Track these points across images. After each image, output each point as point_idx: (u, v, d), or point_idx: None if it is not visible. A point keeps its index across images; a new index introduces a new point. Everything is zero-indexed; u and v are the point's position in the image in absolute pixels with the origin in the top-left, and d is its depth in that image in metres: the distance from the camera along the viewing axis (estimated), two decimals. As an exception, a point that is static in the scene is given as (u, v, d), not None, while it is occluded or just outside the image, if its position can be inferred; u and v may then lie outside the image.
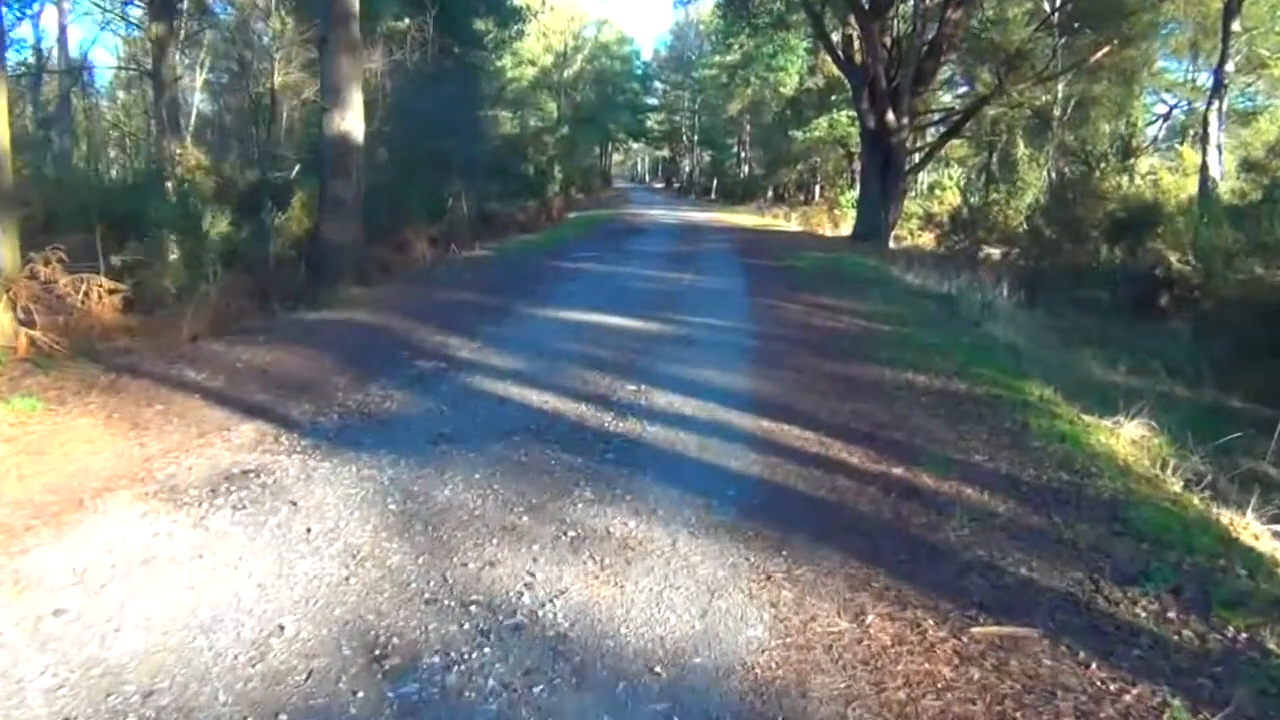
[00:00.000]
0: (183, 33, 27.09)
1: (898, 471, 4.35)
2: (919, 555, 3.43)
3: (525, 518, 3.68)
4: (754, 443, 4.74)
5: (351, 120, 11.11)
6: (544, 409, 5.34)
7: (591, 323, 8.46)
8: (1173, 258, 12.56)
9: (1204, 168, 18.07)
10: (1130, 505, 4.01)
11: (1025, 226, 16.45)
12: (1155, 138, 24.87)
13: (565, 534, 3.53)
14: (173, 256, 10.47)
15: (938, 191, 31.54)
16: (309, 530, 3.50)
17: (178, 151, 16.86)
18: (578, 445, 4.65)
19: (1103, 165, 15.63)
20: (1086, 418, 5.71)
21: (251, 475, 4.10)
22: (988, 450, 4.76)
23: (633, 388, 5.88)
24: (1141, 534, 3.69)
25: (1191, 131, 28.68)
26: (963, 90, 31.82)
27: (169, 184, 15.65)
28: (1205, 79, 30.37)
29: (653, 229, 24.30)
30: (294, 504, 3.77)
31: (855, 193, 31.52)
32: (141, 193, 12.07)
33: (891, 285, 12.56)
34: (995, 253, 18.03)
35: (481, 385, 5.90)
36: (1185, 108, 31.50)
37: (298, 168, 15.46)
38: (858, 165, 33.92)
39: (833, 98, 31.93)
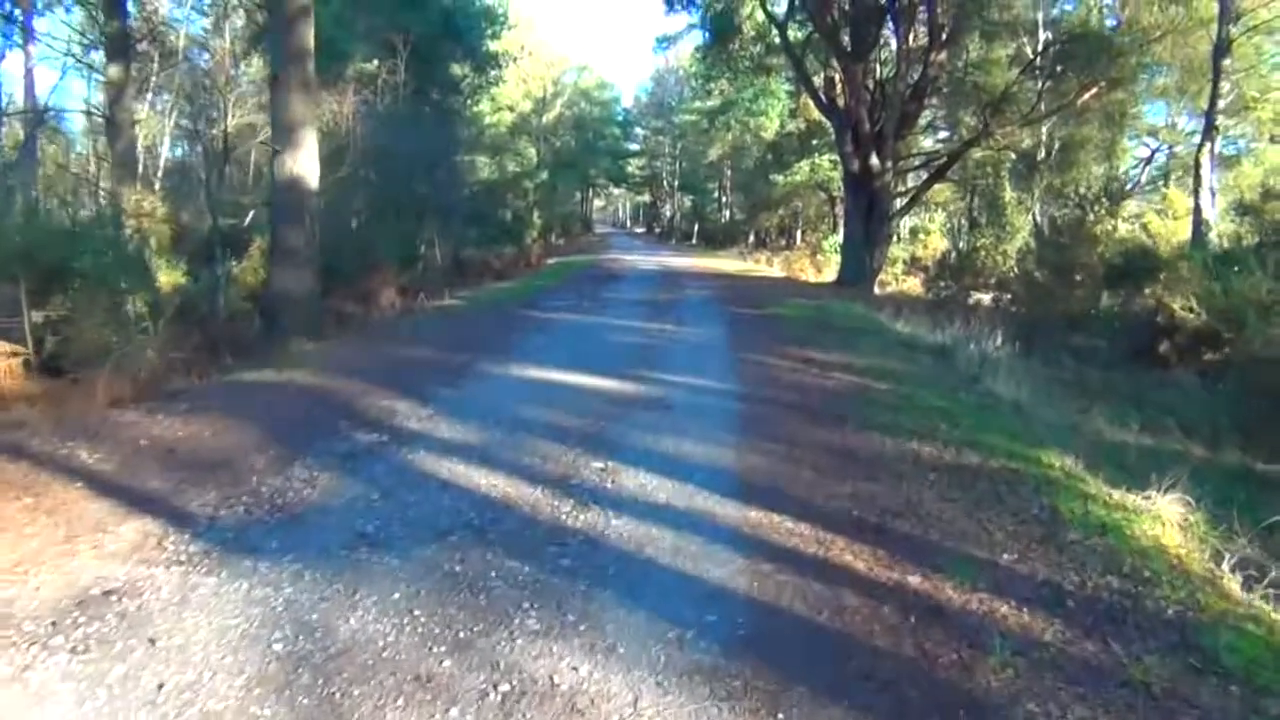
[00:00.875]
0: (155, 77, 26.57)
1: (915, 581, 3.57)
2: (954, 715, 2.64)
3: (447, 661, 2.87)
4: (740, 542, 3.95)
5: (305, 163, 10.39)
6: (492, 496, 4.54)
7: (560, 383, 7.69)
8: (1175, 305, 11.94)
9: (1197, 211, 17.61)
10: (1202, 626, 3.25)
11: (1015, 271, 15.86)
12: (1137, 181, 24.48)
13: (496, 687, 2.72)
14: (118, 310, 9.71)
15: (921, 236, 31.18)
16: (160, 686, 2.69)
17: (132, 198, 16.06)
18: (527, 547, 3.85)
19: (1096, 209, 15.12)
20: (1116, 494, 4.97)
21: (113, 598, 3.28)
22: (1017, 546, 3.99)
23: (599, 465, 5.09)
24: (1227, 670, 2.93)
25: (1175, 175, 28.51)
26: (944, 135, 31.55)
27: (126, 231, 14.91)
28: (1185, 122, 30.44)
29: (632, 275, 23.63)
30: (153, 642, 2.95)
31: (838, 237, 31.12)
32: (76, 241, 11.24)
33: (882, 335, 11.86)
34: (985, 298, 17.45)
35: (424, 465, 5.10)
36: (1167, 151, 31.41)
37: (251, 214, 14.75)
38: (840, 209, 33.63)
39: (814, 141, 31.62)
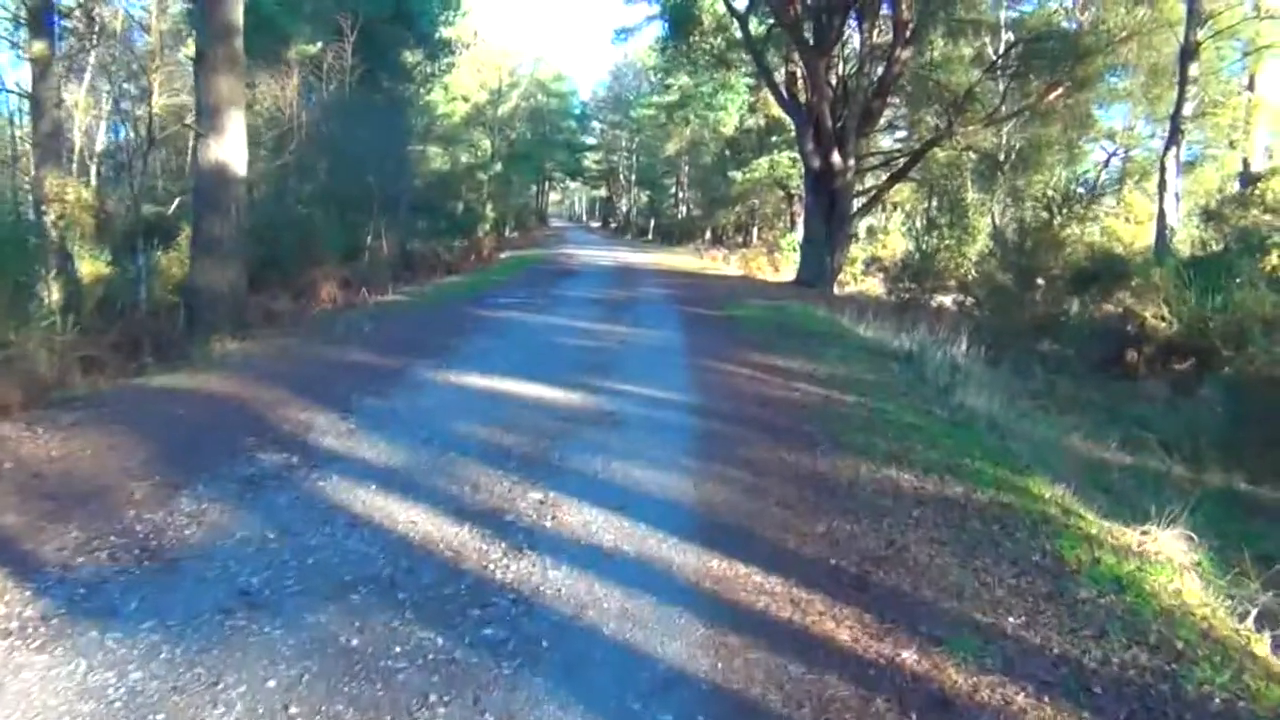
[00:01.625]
0: (91, 57, 25.26)
1: (911, 658, 2.97)
2: None
3: (323, 790, 2.22)
4: (700, 603, 3.32)
5: (230, 148, 9.57)
6: (409, 537, 3.86)
7: (501, 393, 7.01)
8: (1147, 314, 11.57)
9: (1161, 215, 17.39)
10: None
11: (978, 275, 15.47)
12: (1095, 184, 24.33)
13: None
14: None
15: (879, 236, 30.88)
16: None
17: (52, 182, 15.01)
18: (445, 609, 3.18)
19: (1063, 211, 14.76)
20: (1118, 532, 4.44)
21: (-99, 689, 2.57)
22: (1023, 607, 3.41)
23: (538, 497, 4.44)
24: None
25: (1133, 179, 28.48)
26: (902, 135, 31.22)
27: (47, 217, 13.93)
28: (1143, 126, 30.47)
29: (586, 272, 22.96)
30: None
31: (796, 236, 30.71)
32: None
33: (846, 340, 11.34)
34: (947, 301, 17.05)
35: (335, 494, 4.40)
36: (1122, 155, 31.42)
37: (177, 201, 13.84)
38: (798, 208, 33.23)
39: (773, 138, 31.17)
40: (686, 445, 5.58)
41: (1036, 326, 13.93)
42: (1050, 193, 16.02)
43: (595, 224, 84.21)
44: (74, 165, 19.39)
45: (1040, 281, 14.08)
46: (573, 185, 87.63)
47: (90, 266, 14.39)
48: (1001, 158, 19.85)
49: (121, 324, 12.02)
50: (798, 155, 30.01)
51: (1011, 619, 3.31)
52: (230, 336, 9.18)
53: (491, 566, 3.58)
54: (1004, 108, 19.67)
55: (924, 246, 18.13)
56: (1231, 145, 25.52)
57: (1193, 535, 4.48)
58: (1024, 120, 20.86)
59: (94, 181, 20.45)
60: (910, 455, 5.55)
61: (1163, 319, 11.52)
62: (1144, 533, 4.48)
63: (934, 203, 30.88)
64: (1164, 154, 17.79)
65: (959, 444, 6.00)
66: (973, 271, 17.43)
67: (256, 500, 4.27)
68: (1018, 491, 4.92)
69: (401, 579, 3.42)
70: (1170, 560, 4.08)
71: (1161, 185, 17.53)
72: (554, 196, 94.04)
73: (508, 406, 6.50)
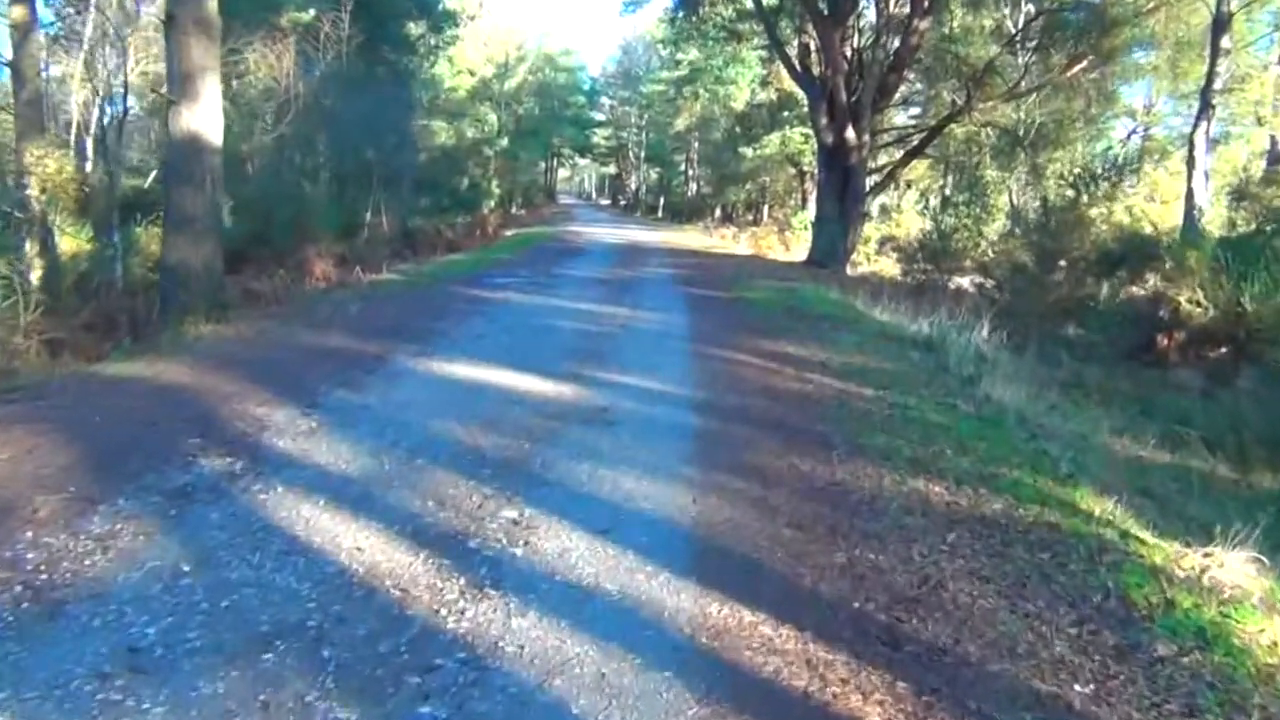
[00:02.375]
0: (88, 27, 24.57)
1: (962, 752, 2.36)
2: None
3: None
4: (694, 665, 2.69)
5: (204, 117, 8.93)
6: (351, 570, 3.25)
7: (487, 384, 6.40)
8: (1182, 298, 10.87)
9: (1189, 195, 16.63)
10: None
11: (999, 256, 14.75)
12: (1121, 161, 23.48)
13: None
14: None
15: (893, 215, 30.10)
16: None
17: (34, 154, 14.38)
18: (375, 676, 2.56)
19: (1091, 189, 14.00)
20: (1185, 559, 3.81)
21: None
22: (1090, 669, 2.79)
23: (511, 515, 3.83)
24: None
25: (1155, 157, 27.58)
26: (916, 112, 30.29)
27: (30, 193, 13.36)
28: (1164, 103, 29.53)
29: (592, 249, 22.30)
30: None
31: (807, 214, 29.95)
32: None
33: (861, 325, 10.69)
34: (965, 282, 16.35)
35: (276, 511, 3.79)
36: (1142, 133, 30.51)
37: (154, 174, 13.22)
38: (810, 185, 32.44)
39: (785, 114, 30.34)
40: (686, 450, 4.96)
41: (1061, 310, 13.24)
42: (1076, 170, 15.25)
43: (605, 201, 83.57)
44: (71, 139, 18.79)
45: (1064, 263, 13.36)
46: (582, 162, 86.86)
47: (71, 242, 13.82)
48: (1022, 134, 19.00)
49: (96, 303, 11.46)
50: (810, 131, 29.28)
51: (1078, 687, 2.69)
52: (205, 318, 8.58)
53: (444, 611, 2.96)
54: (1025, 82, 18.83)
55: (942, 226, 17.40)
56: (1260, 122, 24.62)
57: (1261, 558, 3.86)
58: (1046, 95, 19.99)
59: (91, 156, 19.88)
60: (939, 462, 4.92)
61: (1197, 304, 10.81)
62: (1207, 555, 3.87)
63: (949, 180, 30.11)
64: (1193, 130, 16.98)
65: (992, 447, 5.36)
66: (991, 252, 16.73)
67: (182, 518, 3.66)
68: (1064, 508, 4.28)
69: (331, 630, 2.81)
70: (1263, 602, 3.46)
71: (1190, 162, 16.75)
72: (563, 173, 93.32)
73: (491, 401, 5.88)
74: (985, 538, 3.84)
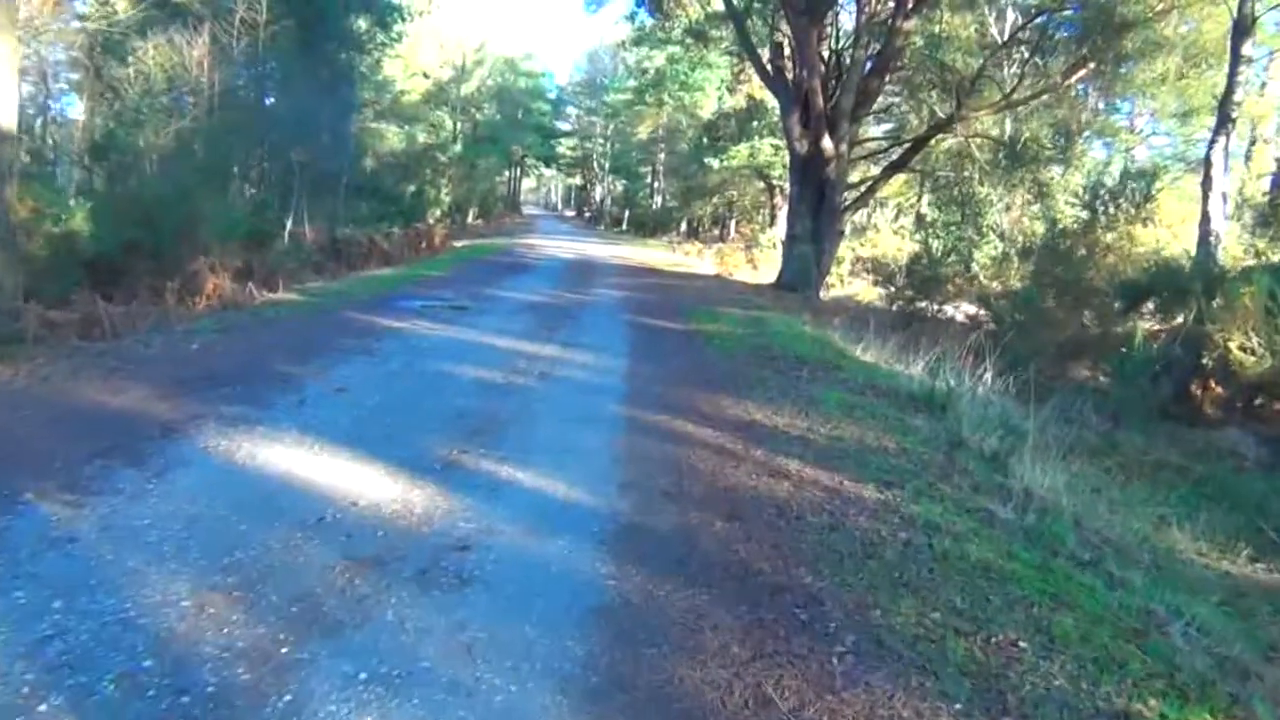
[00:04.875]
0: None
1: None
2: None
3: None
4: None
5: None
6: None
7: (297, 486, 4.21)
8: (1232, 343, 8.92)
9: (1204, 219, 14.78)
10: None
11: (999, 285, 12.80)
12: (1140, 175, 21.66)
13: None
14: None
15: (867, 234, 28.25)
16: None
17: None
18: None
19: (1110, 210, 12.08)
20: None
21: None
22: None
23: None
24: None
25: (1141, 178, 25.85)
26: (891, 125, 28.40)
27: None
28: (1144, 123, 27.91)
29: (542, 266, 20.17)
30: None
31: (776, 231, 28.04)
32: None
33: (845, 372, 8.64)
34: (957, 312, 14.39)
35: None
36: (1125, 154, 28.87)
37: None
38: (779, 200, 30.53)
39: (755, 123, 28.36)
40: (579, 648, 2.82)
41: (1074, 350, 11.30)
42: (1094, 187, 13.34)
43: (570, 213, 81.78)
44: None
45: (1078, 296, 11.42)
46: (548, 173, 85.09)
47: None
48: (1020, 147, 17.13)
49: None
50: (779, 142, 27.35)
51: None
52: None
53: None
54: (1020, 90, 16.94)
55: (933, 250, 15.42)
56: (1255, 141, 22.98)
57: None
58: (1045, 104, 18.10)
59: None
60: (1020, 675, 2.83)
61: (1250, 350, 8.87)
62: None
63: (926, 198, 28.33)
64: (1210, 146, 15.10)
65: (1083, 623, 3.29)
66: (983, 279, 14.82)
67: None
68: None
69: None
70: None
71: (1206, 182, 14.87)
72: (528, 184, 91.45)
73: (287, 522, 3.71)
74: None
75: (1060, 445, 8.09)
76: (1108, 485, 7.18)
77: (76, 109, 23.17)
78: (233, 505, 3.87)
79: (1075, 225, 12.56)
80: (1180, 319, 10.36)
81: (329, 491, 4.12)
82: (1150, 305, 11.31)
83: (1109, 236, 11.83)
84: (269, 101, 22.06)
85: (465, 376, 7.08)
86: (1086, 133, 22.76)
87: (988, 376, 9.14)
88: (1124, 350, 9.82)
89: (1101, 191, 12.80)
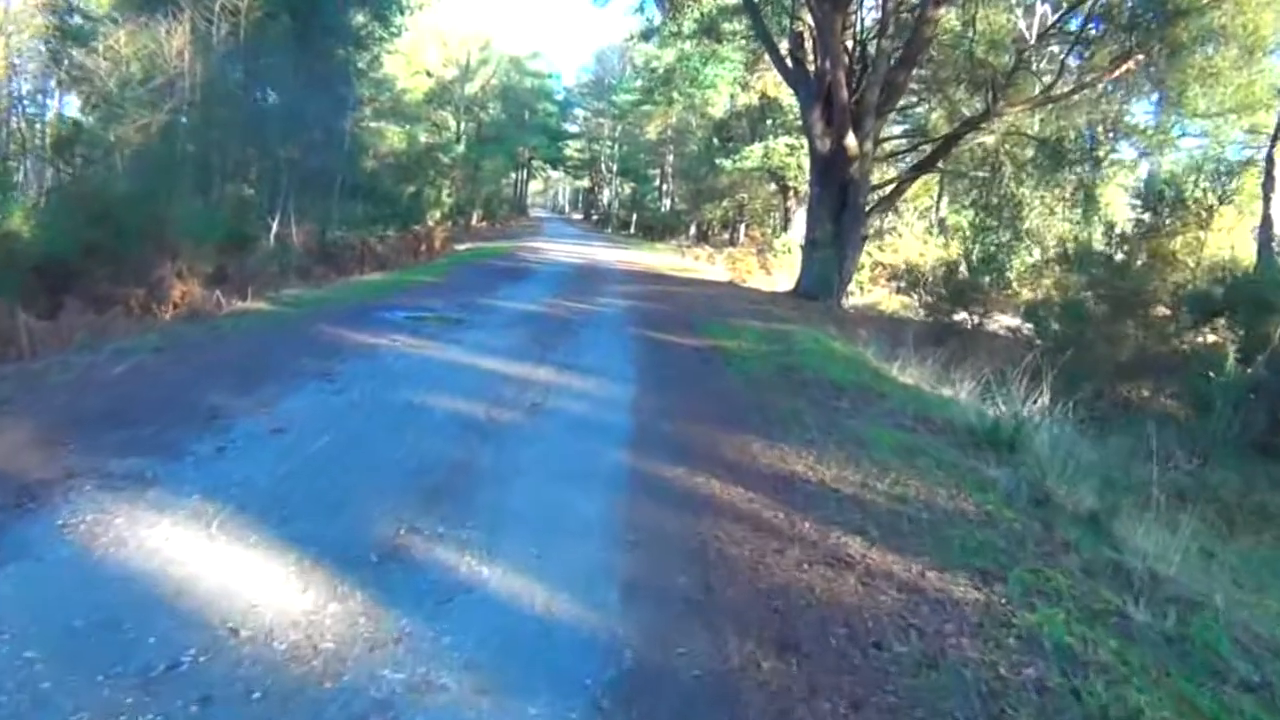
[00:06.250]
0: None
1: None
2: None
3: None
4: None
5: None
6: None
7: (160, 597, 2.95)
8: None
9: (1266, 223, 13.54)
10: None
11: (1052, 296, 11.50)
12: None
13: None
14: None
15: (886, 236, 26.96)
16: None
17: None
18: None
19: (1176, 213, 10.77)
20: None
21: None
22: None
23: None
24: None
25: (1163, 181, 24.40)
26: (905, 127, 27.03)
27: None
28: (1172, 121, 26.46)
29: (545, 272, 18.92)
30: None
31: (789, 235, 26.79)
32: None
33: (890, 400, 7.39)
34: (997, 326, 13.11)
35: None
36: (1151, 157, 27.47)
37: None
38: (793, 203, 29.24)
39: (769, 122, 27.05)
40: None
41: (1139, 369, 10.02)
42: (1163, 187, 11.98)
43: (577, 216, 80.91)
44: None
45: (1140, 310, 10.13)
46: (555, 175, 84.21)
47: None
48: (1067, 145, 15.79)
49: None
50: (795, 142, 26.07)
51: None
52: None
53: None
54: (1061, 83, 15.61)
55: (973, 257, 14.10)
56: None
57: None
58: (1093, 97, 16.74)
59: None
60: None
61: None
62: None
63: (945, 201, 27.03)
64: (1272, 144, 13.85)
65: None
66: (1017, 288, 13.54)
67: None
68: None
69: None
70: None
71: (1268, 184, 13.64)
72: (536, 186, 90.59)
73: (110, 684, 2.44)
74: None
75: (1140, 485, 6.87)
76: (1216, 542, 5.96)
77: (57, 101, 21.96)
78: (51, 636, 2.62)
79: (1135, 230, 11.29)
80: (1263, 334, 9.04)
81: (207, 606, 2.88)
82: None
83: (1175, 243, 10.54)
84: (259, 96, 20.91)
85: (439, 410, 5.82)
86: (1113, 133, 21.52)
87: (1043, 399, 7.89)
88: (1208, 373, 8.51)
89: (1166, 192, 11.49)
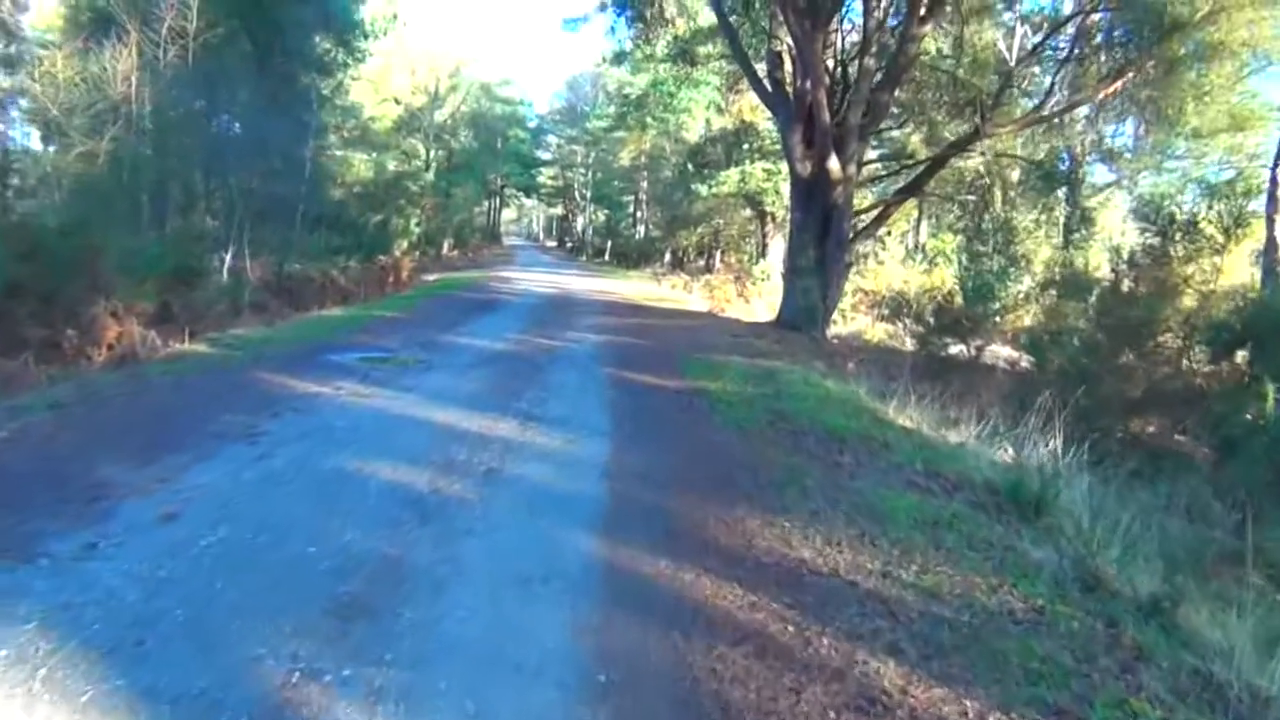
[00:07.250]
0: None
1: None
2: None
3: None
4: None
5: None
6: None
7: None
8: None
9: (1271, 245, 12.91)
10: None
11: (1046, 324, 10.76)
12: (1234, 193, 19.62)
13: None
14: None
15: (865, 262, 26.32)
16: None
17: None
18: None
19: (1189, 237, 10.08)
20: None
21: None
22: None
23: None
24: None
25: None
26: (881, 152, 26.47)
27: None
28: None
29: (515, 304, 18.03)
30: None
31: (767, 261, 26.13)
32: None
33: (895, 451, 6.56)
34: (996, 357, 12.37)
35: None
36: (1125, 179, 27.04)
37: None
38: (770, 229, 28.60)
39: (745, 146, 26.38)
40: None
41: (1145, 407, 9.25)
42: (1173, 209, 11.30)
43: (551, 243, 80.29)
44: None
45: (1151, 341, 9.40)
46: (529, 203, 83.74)
47: None
48: (1058, 167, 15.18)
49: None
50: (772, 166, 25.43)
51: None
52: None
53: None
54: (1052, 103, 15.01)
55: (967, 285, 13.36)
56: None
57: None
58: (1091, 115, 16.15)
59: None
60: None
61: None
62: None
63: (920, 226, 26.47)
64: (1275, 164, 13.25)
65: None
66: (1023, 319, 12.83)
67: None
68: None
69: None
70: None
71: (1271, 205, 13.02)
72: (509, 214, 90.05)
73: None
74: None
75: (1186, 549, 6.10)
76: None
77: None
78: None
79: (1144, 256, 10.60)
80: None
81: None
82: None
83: (1189, 269, 9.85)
84: (214, 122, 20.03)
85: (375, 481, 4.90)
86: (1095, 154, 21.05)
87: (1055, 443, 7.10)
88: (1249, 415, 7.74)
89: (1177, 214, 10.82)
